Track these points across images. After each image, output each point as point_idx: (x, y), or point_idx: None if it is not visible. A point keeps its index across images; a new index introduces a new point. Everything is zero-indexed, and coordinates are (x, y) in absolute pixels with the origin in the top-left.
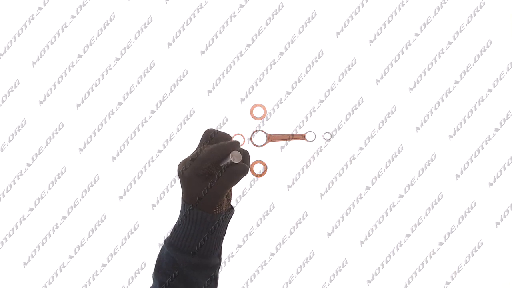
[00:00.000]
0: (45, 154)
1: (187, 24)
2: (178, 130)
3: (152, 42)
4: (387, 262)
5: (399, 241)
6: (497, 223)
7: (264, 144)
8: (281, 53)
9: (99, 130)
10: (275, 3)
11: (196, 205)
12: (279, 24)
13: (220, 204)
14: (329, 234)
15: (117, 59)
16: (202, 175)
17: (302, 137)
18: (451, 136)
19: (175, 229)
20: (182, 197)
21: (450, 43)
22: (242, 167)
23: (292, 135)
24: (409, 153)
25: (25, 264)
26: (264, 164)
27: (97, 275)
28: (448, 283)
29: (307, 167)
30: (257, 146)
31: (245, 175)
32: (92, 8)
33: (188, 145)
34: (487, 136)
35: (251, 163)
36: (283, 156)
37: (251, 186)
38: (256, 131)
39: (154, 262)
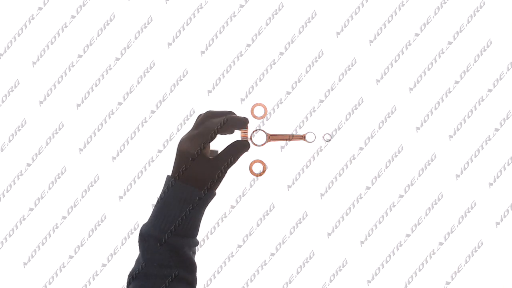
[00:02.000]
0: (45, 154)
1: (187, 24)
2: (178, 130)
3: (152, 42)
4: (387, 262)
5: (399, 241)
6: (497, 223)
7: (264, 143)
8: (281, 53)
9: (99, 130)
10: (275, 3)
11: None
12: (279, 24)
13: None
14: (329, 234)
15: (117, 59)
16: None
17: (302, 137)
18: (451, 136)
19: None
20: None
21: (450, 43)
22: (244, 142)
23: (292, 135)
24: (409, 153)
25: (25, 264)
26: (264, 164)
27: (97, 275)
28: (448, 283)
29: (307, 167)
30: (257, 145)
31: (247, 150)
32: (92, 8)
33: None
34: (487, 136)
35: (249, 162)
36: (283, 156)
37: (251, 186)
38: (256, 130)
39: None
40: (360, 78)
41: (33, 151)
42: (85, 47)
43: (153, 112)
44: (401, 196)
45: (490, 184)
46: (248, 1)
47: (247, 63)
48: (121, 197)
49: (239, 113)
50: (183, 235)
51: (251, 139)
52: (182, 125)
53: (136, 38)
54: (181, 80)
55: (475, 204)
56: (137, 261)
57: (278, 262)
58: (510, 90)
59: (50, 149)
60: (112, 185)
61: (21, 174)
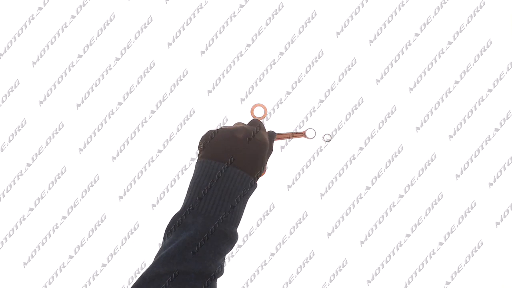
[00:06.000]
0: (45, 154)
1: (187, 24)
2: (178, 130)
3: (152, 42)
4: (387, 262)
5: (399, 241)
6: (497, 223)
7: None
8: (281, 53)
9: (99, 130)
10: (275, 3)
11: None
12: (279, 24)
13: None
14: (329, 234)
15: (117, 59)
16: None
17: (303, 134)
18: (451, 136)
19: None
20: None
21: (450, 43)
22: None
23: (292, 133)
24: (409, 153)
25: (25, 264)
26: None
27: (97, 275)
28: (448, 283)
29: (307, 167)
30: None
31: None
32: (92, 8)
33: (188, 145)
34: (487, 136)
35: None
36: (283, 156)
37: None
38: None
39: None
40: (360, 78)
41: (33, 151)
42: (85, 47)
43: (153, 112)
44: (401, 196)
45: (490, 184)
46: (248, 1)
47: (247, 63)
48: (121, 197)
49: (238, 113)
50: None
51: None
52: (182, 125)
53: (136, 38)
54: (181, 80)
55: (475, 204)
56: (183, 247)
57: (278, 262)
58: (510, 90)
59: (50, 149)
60: (112, 185)
61: (21, 174)
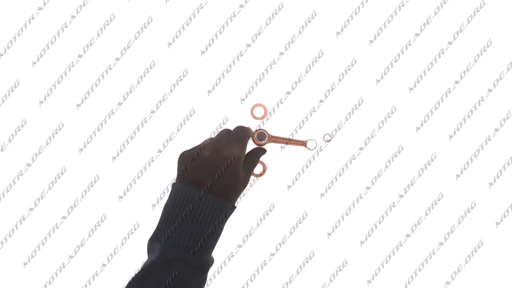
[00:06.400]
0: (45, 154)
1: (187, 24)
2: (178, 130)
3: (152, 42)
4: (387, 262)
5: (399, 241)
6: (497, 223)
7: (264, 143)
8: (281, 53)
9: (99, 130)
10: (275, 3)
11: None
12: (279, 24)
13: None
14: (329, 234)
15: (117, 59)
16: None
17: (303, 144)
18: (451, 136)
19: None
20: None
21: (450, 43)
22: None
23: (294, 140)
24: (409, 153)
25: (25, 264)
26: (264, 164)
27: (97, 275)
28: (448, 283)
29: (307, 167)
30: (258, 145)
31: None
32: (92, 8)
33: (188, 145)
34: (487, 136)
35: None
36: (283, 156)
37: (251, 186)
38: (257, 130)
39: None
40: (360, 78)
41: (33, 151)
42: (85, 47)
43: (153, 112)
44: (401, 196)
45: (490, 184)
46: (248, 1)
47: (247, 63)
48: (121, 197)
49: (239, 114)
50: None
51: (254, 137)
52: (182, 125)
53: (136, 38)
54: (181, 80)
55: (475, 204)
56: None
57: (278, 262)
58: (510, 90)
59: (50, 149)
60: (112, 185)
61: (21, 174)
